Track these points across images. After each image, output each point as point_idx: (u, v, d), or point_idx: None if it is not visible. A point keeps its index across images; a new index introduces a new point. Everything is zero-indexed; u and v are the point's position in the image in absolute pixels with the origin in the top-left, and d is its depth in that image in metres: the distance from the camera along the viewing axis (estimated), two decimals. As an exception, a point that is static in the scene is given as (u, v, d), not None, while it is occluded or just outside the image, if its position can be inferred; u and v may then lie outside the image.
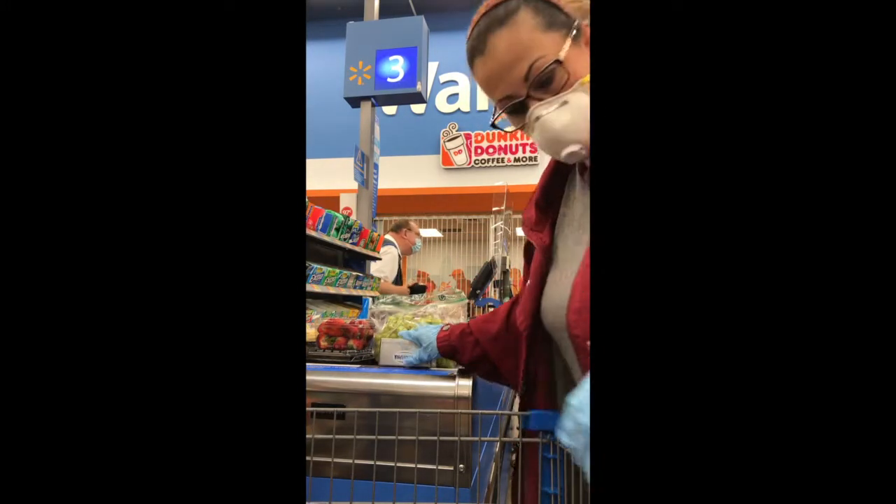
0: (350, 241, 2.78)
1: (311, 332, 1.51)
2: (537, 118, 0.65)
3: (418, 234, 3.76)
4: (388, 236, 3.64)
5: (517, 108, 0.67)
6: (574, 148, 0.64)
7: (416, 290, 3.31)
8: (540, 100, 0.65)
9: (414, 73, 3.61)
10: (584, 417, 0.44)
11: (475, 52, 0.68)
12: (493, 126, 0.73)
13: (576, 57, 0.64)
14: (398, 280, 3.66)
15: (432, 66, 6.50)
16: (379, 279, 3.19)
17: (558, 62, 0.63)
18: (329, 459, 0.97)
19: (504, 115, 0.70)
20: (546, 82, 0.64)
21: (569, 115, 0.63)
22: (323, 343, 1.44)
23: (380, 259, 3.35)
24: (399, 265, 3.65)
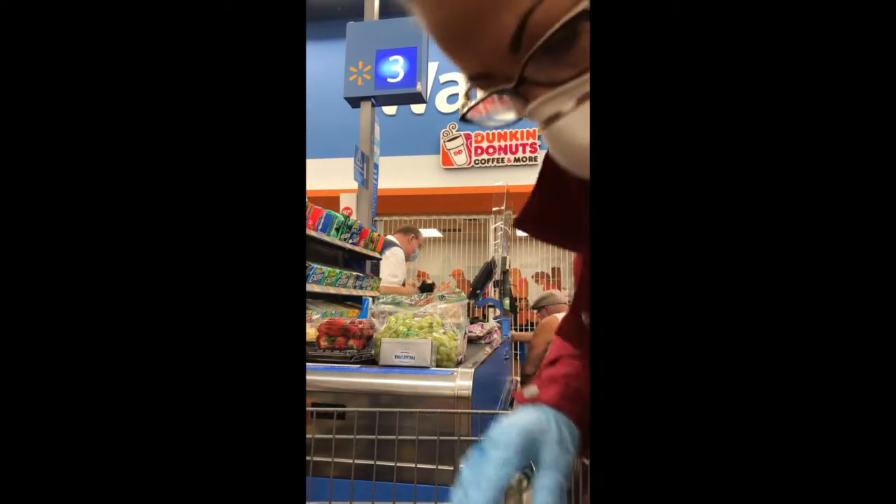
0: (350, 241, 2.78)
1: (311, 332, 1.51)
2: (548, 121, 0.35)
3: (421, 244, 3.75)
4: (393, 237, 3.62)
5: (508, 93, 0.36)
6: None
7: (424, 288, 3.28)
8: (549, 86, 0.34)
9: (414, 73, 3.61)
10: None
11: None
12: (464, 119, 0.40)
13: None
14: (402, 283, 3.64)
15: (432, 66, 6.50)
16: (379, 278, 3.18)
17: (585, 13, 0.30)
18: (329, 459, 0.97)
19: (487, 101, 0.38)
20: (558, 49, 0.32)
21: None
22: (323, 343, 1.44)
23: (379, 258, 3.33)
24: (404, 268, 3.64)
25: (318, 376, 1.24)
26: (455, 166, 6.68)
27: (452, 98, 6.83)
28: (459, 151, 6.66)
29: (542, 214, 0.46)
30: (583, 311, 0.50)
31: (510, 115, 0.39)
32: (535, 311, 3.88)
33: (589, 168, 0.32)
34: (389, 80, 3.66)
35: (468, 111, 0.39)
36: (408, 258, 3.69)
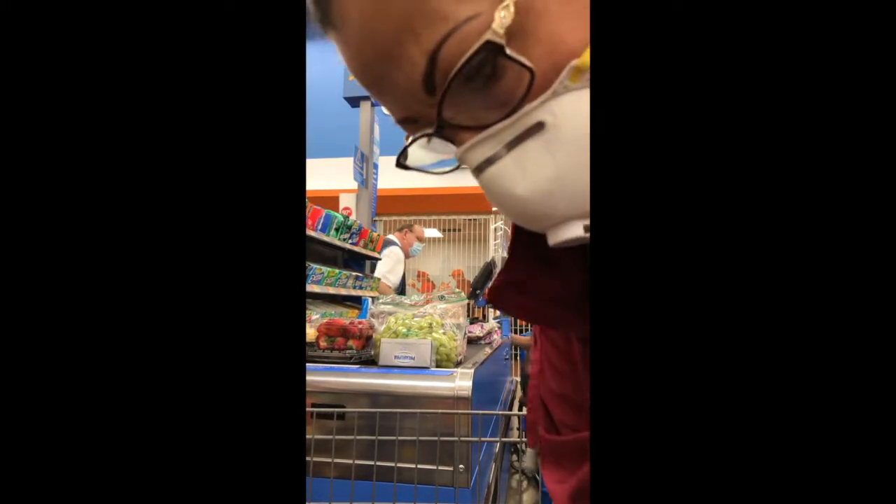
0: (350, 241, 2.78)
1: (310, 333, 1.51)
2: (479, 168, 0.31)
3: (420, 237, 3.73)
4: (392, 236, 3.62)
5: (435, 137, 0.32)
6: (572, 231, 0.29)
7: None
8: (475, 129, 0.30)
9: (414, 73, 3.60)
10: None
11: (320, 18, 0.32)
12: (400, 164, 0.35)
13: (547, 13, 0.27)
14: (402, 283, 3.62)
15: (432, 67, 6.47)
16: (378, 279, 3.18)
17: (493, 46, 0.26)
18: (329, 460, 0.97)
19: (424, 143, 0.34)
20: (480, 87, 0.29)
21: (547, 159, 0.28)
22: (322, 343, 1.44)
23: (379, 258, 3.33)
24: (403, 267, 3.62)
25: (318, 377, 1.24)
26: (455, 166, 6.66)
27: (452, 98, 6.80)
28: (459, 151, 6.64)
29: (516, 282, 0.38)
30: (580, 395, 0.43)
31: (452, 160, 0.34)
32: None
33: (528, 219, 0.31)
34: (389, 79, 3.63)
35: (401, 156, 0.35)
36: (407, 255, 3.68)
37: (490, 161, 0.30)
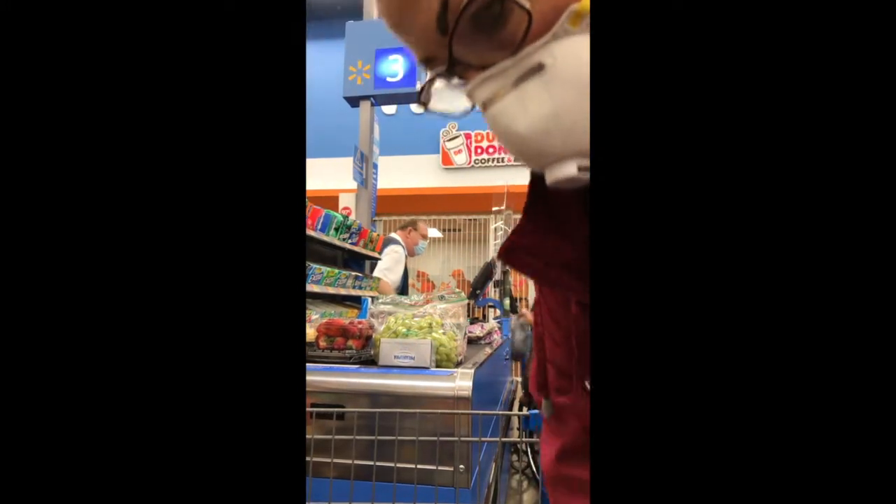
0: (349, 241, 2.78)
1: (310, 333, 1.51)
2: (485, 104, 0.33)
3: (424, 235, 3.70)
4: (395, 234, 3.60)
5: (447, 76, 0.35)
6: (567, 170, 0.31)
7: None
8: (482, 68, 0.32)
9: (413, 72, 3.60)
10: None
11: None
12: (420, 101, 0.39)
13: None
14: (404, 281, 3.59)
15: (432, 66, 6.47)
16: (378, 279, 3.17)
17: None
18: (329, 460, 0.97)
19: (441, 85, 0.37)
20: (486, 29, 0.31)
21: (546, 98, 0.30)
22: (322, 343, 1.44)
23: (379, 258, 3.32)
24: (405, 265, 3.59)
25: (317, 377, 1.24)
26: (455, 166, 6.67)
27: (452, 98, 6.79)
28: (459, 151, 6.66)
29: (531, 244, 0.40)
30: (586, 379, 0.42)
31: (466, 102, 0.37)
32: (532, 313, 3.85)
33: (527, 156, 0.34)
34: (389, 79, 3.65)
35: (420, 95, 0.38)
36: (412, 253, 3.65)
37: (494, 99, 0.32)
